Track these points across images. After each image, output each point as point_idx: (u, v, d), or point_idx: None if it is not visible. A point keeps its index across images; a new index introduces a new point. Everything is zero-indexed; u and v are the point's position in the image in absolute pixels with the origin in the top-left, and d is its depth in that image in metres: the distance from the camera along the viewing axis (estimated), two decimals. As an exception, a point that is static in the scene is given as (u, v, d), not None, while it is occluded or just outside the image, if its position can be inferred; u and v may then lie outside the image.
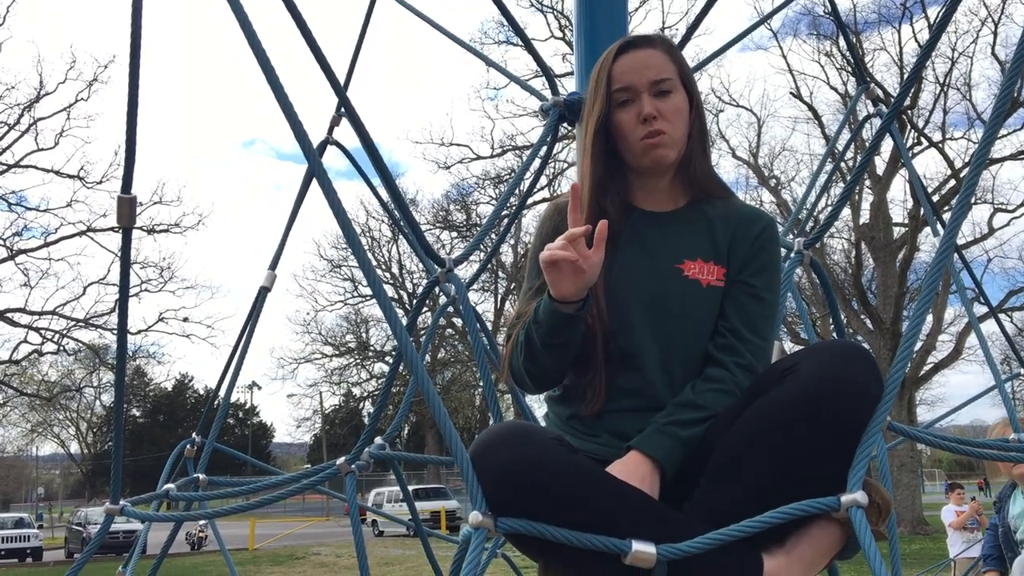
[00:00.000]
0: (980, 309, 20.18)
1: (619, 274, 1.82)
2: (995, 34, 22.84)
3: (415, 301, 2.43)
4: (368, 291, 35.72)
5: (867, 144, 2.42)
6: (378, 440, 2.53)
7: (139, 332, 28.51)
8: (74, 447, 61.23)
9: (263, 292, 3.10)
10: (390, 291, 37.69)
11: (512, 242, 35.52)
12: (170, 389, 62.71)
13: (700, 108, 1.91)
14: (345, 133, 3.33)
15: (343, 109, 3.05)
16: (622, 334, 1.80)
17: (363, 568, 2.39)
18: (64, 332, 27.40)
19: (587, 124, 1.91)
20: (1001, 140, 22.52)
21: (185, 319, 28.89)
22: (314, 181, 2.48)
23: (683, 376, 1.79)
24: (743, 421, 1.61)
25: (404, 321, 1.65)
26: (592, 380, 1.79)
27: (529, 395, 1.94)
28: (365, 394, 42.65)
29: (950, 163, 23.40)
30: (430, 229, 33.44)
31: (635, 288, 1.81)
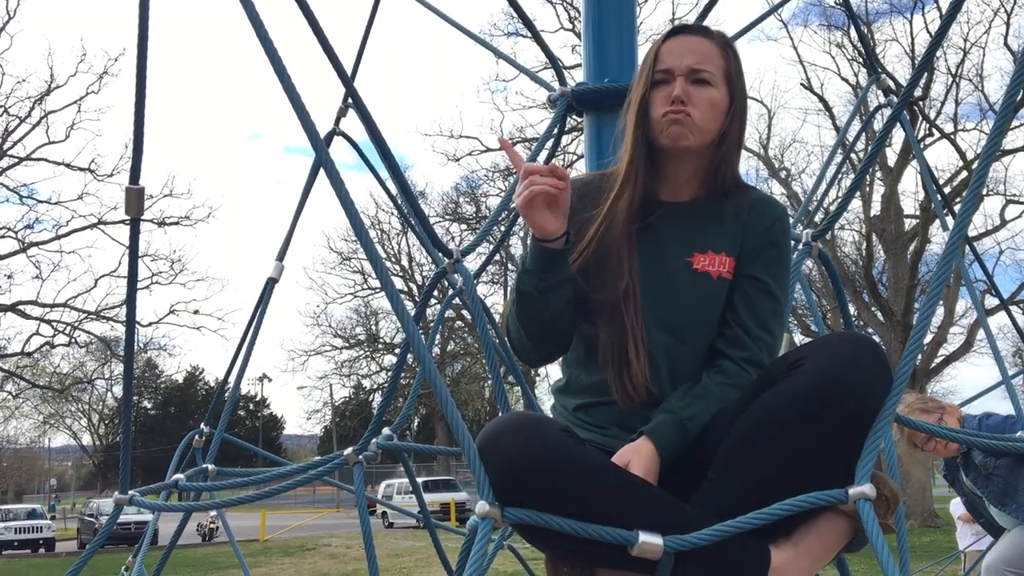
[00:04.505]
0: (992, 301, 20.07)
1: (636, 268, 1.82)
2: (1008, 24, 22.66)
3: (423, 292, 2.44)
4: (378, 283, 35.77)
5: (878, 135, 2.41)
6: (386, 431, 2.53)
7: (150, 324, 28.47)
8: (86, 439, 61.62)
9: (271, 283, 3.11)
10: (399, 284, 37.70)
11: (521, 234, 35.46)
12: (181, 381, 63.00)
13: (742, 112, 1.85)
14: (352, 126, 3.33)
15: (350, 100, 3.05)
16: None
17: (371, 559, 2.40)
18: (75, 324, 27.44)
19: (629, 102, 1.89)
20: (1014, 131, 22.33)
21: (196, 311, 28.85)
22: (322, 173, 2.49)
23: (690, 369, 1.79)
24: (751, 413, 1.61)
25: (412, 312, 1.65)
26: (625, 372, 1.78)
27: (536, 368, 1.91)
28: (375, 386, 42.72)
29: (962, 154, 23.23)
30: (439, 221, 33.38)
31: (646, 282, 1.81)
